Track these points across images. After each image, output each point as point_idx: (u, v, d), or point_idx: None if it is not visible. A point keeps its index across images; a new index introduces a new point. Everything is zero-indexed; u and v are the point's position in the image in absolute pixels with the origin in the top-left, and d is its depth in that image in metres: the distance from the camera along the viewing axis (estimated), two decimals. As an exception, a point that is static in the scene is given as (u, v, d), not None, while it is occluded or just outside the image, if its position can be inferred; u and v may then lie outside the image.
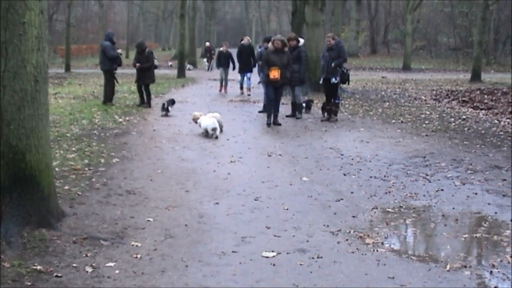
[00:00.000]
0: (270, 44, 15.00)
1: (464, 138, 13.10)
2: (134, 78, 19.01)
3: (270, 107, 15.04)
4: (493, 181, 9.19)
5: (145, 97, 18.52)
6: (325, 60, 15.53)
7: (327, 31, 24.25)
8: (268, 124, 14.75)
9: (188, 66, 39.04)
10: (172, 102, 17.21)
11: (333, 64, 15.20)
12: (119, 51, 18.66)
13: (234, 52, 23.43)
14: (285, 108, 16.62)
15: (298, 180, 9.28)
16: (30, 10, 6.17)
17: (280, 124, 14.83)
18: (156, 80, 19.49)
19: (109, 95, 18.52)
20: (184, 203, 7.90)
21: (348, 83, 16.45)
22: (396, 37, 68.41)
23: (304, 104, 16.75)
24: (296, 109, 16.24)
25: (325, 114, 15.88)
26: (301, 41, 16.38)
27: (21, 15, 6.12)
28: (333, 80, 15.33)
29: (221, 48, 24.66)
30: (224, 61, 23.93)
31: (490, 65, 45.71)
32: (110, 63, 18.20)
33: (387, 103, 19.98)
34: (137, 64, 18.07)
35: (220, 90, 24.12)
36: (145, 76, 18.25)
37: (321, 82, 15.99)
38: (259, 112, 17.28)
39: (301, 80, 16.08)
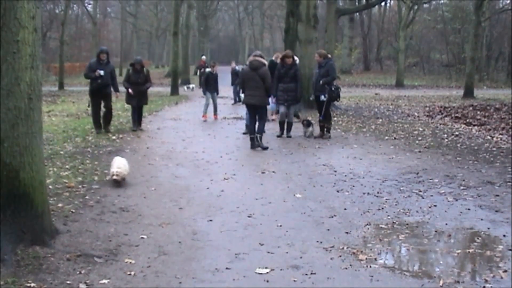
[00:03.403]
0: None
1: (457, 154, 13.14)
2: (125, 99, 17.15)
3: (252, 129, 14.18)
4: (486, 197, 9.21)
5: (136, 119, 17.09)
6: (315, 77, 15.58)
7: (320, 48, 24.29)
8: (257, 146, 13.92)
9: (190, 85, 38.01)
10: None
11: (321, 82, 15.27)
12: (101, 72, 15.62)
13: (225, 71, 23.02)
14: (273, 125, 16.53)
15: (292, 196, 9.29)
16: (24, 28, 6.20)
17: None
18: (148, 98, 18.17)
19: (93, 119, 16.31)
20: (177, 220, 7.90)
21: (338, 100, 16.33)
22: (389, 54, 68.76)
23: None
24: (287, 128, 15.99)
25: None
26: (296, 59, 16.32)
27: (15, 33, 6.15)
28: (322, 97, 15.34)
29: (208, 69, 21.37)
30: (213, 85, 20.67)
31: (482, 82, 46.00)
32: (89, 83, 16.08)
33: (380, 120, 20.03)
34: (130, 90, 16.49)
35: (205, 119, 20.26)
36: (143, 97, 16.92)
37: (311, 99, 16.05)
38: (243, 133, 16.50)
39: (298, 99, 15.93)
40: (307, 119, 16.28)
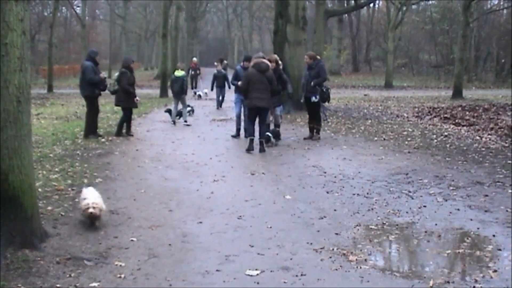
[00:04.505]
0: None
1: (446, 154, 13.17)
2: (121, 102, 16.12)
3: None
4: (475, 197, 9.25)
5: (125, 124, 16.28)
6: (305, 78, 15.56)
7: (309, 49, 24.32)
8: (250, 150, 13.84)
9: (198, 92, 33.13)
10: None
11: (312, 83, 15.24)
12: (104, 74, 15.46)
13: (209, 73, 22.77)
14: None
15: (281, 198, 9.29)
16: (12, 31, 6.19)
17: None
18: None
19: (90, 126, 15.57)
20: (167, 223, 7.89)
21: (329, 101, 16.31)
22: (378, 55, 68.83)
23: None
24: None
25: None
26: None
27: (3, 36, 6.14)
28: (313, 98, 15.31)
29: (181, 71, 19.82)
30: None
31: (471, 82, 46.10)
32: (91, 88, 15.12)
33: (370, 121, 20.06)
34: (137, 99, 15.93)
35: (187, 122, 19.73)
36: (132, 100, 16.03)
37: (302, 100, 16.01)
38: (232, 136, 16.39)
39: (282, 101, 15.69)
40: (267, 135, 14.50)
